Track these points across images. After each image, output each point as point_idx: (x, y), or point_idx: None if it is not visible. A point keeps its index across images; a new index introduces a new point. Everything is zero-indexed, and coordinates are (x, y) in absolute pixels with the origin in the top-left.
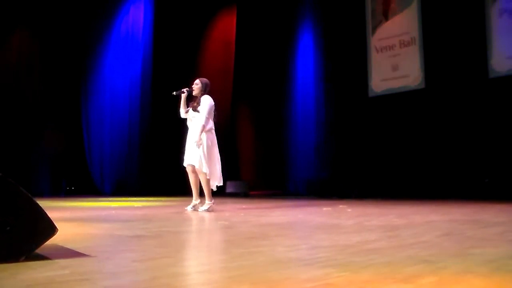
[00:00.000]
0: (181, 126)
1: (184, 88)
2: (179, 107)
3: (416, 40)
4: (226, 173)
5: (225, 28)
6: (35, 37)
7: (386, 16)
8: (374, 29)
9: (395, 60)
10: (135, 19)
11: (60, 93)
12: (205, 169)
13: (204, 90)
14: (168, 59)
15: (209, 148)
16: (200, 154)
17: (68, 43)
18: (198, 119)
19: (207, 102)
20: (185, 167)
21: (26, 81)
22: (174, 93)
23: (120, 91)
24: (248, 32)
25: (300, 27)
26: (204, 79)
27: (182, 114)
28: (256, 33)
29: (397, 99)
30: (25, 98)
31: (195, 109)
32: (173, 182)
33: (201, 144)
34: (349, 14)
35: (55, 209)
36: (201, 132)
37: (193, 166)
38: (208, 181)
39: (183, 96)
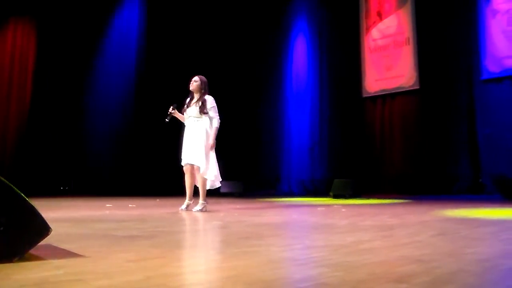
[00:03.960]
0: (175, 126)
1: (170, 107)
2: (180, 119)
3: (410, 40)
4: (221, 173)
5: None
6: (30, 29)
7: (380, 16)
8: (368, 29)
9: (389, 60)
10: (130, 17)
11: (54, 92)
12: (205, 169)
13: (204, 89)
14: (162, 59)
15: (212, 149)
16: (204, 155)
17: (64, 39)
18: (206, 120)
19: (214, 103)
20: (182, 166)
21: (19, 77)
22: (167, 120)
23: (114, 90)
24: (242, 32)
25: (294, 27)
26: (203, 76)
27: (185, 121)
28: (251, 33)
29: (391, 100)
30: (18, 95)
31: (202, 111)
32: (168, 182)
33: (213, 147)
34: (342, 14)
35: (49, 209)
36: (215, 134)
37: (192, 166)
38: (205, 181)
39: (176, 112)
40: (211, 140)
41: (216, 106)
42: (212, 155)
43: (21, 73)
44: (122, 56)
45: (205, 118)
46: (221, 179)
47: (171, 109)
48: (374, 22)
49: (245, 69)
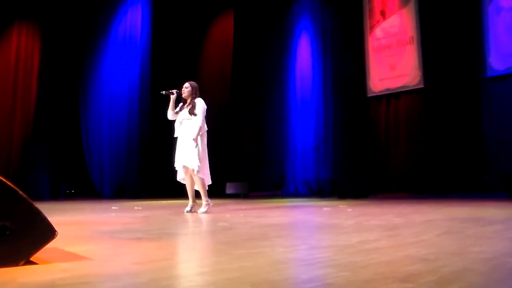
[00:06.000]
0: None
1: (174, 89)
2: (168, 108)
3: (414, 39)
4: (226, 174)
5: (223, 28)
6: (35, 33)
7: (383, 15)
8: (372, 28)
9: (393, 60)
10: (133, 21)
11: (59, 95)
12: (200, 169)
13: (195, 94)
14: (166, 61)
15: (204, 150)
16: (196, 156)
17: (68, 42)
18: (195, 122)
19: (201, 104)
20: (175, 168)
21: (24, 80)
22: (163, 92)
23: (119, 94)
24: (246, 32)
25: (298, 27)
26: (194, 82)
27: (170, 116)
28: (254, 33)
29: (395, 99)
30: (23, 98)
31: (191, 112)
32: (172, 184)
33: (197, 146)
34: (346, 14)
35: (55, 212)
36: (198, 133)
37: (187, 167)
38: (203, 182)
39: (173, 97)
40: (195, 136)
41: (205, 107)
42: (205, 155)
43: (25, 76)
44: (126, 58)
45: (195, 119)
46: (210, 182)
47: (174, 91)
48: (378, 21)
49: (249, 70)
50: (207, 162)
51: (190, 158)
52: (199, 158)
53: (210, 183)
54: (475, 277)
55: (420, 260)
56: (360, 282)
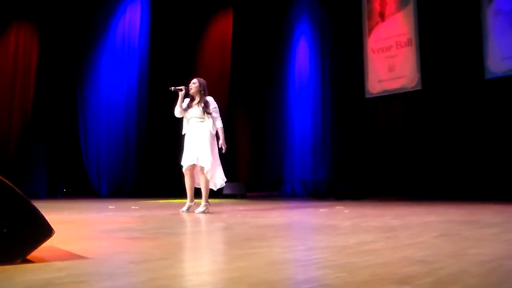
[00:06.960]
0: (178, 128)
1: (182, 86)
2: (176, 104)
3: (413, 41)
4: (225, 174)
5: (222, 29)
6: (33, 34)
7: (382, 17)
8: (371, 30)
9: (391, 61)
10: (132, 19)
11: (57, 94)
12: (210, 170)
13: (203, 90)
14: (164, 60)
15: (215, 151)
16: (211, 156)
17: (66, 41)
18: (209, 121)
19: (215, 103)
20: (181, 167)
21: (22, 80)
22: (172, 88)
23: (117, 92)
24: (244, 33)
25: (297, 28)
26: (202, 79)
27: (178, 113)
28: (252, 33)
29: (393, 100)
30: (21, 98)
31: (205, 112)
32: (170, 184)
33: (226, 148)
34: (345, 15)
35: (52, 210)
36: (224, 135)
37: (192, 168)
38: (208, 183)
39: (181, 94)
40: (222, 140)
41: (217, 107)
42: (216, 156)
43: (23, 76)
44: (125, 57)
45: (208, 119)
46: (225, 179)
47: (182, 88)
48: (377, 23)
49: (248, 71)
50: (219, 163)
51: (203, 157)
52: (213, 158)
53: (224, 185)
54: (472, 279)
55: (417, 262)
56: (357, 283)
